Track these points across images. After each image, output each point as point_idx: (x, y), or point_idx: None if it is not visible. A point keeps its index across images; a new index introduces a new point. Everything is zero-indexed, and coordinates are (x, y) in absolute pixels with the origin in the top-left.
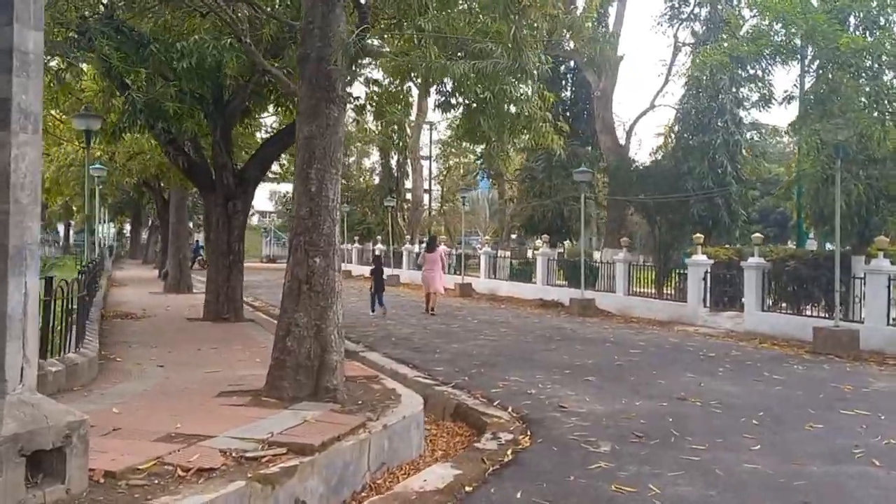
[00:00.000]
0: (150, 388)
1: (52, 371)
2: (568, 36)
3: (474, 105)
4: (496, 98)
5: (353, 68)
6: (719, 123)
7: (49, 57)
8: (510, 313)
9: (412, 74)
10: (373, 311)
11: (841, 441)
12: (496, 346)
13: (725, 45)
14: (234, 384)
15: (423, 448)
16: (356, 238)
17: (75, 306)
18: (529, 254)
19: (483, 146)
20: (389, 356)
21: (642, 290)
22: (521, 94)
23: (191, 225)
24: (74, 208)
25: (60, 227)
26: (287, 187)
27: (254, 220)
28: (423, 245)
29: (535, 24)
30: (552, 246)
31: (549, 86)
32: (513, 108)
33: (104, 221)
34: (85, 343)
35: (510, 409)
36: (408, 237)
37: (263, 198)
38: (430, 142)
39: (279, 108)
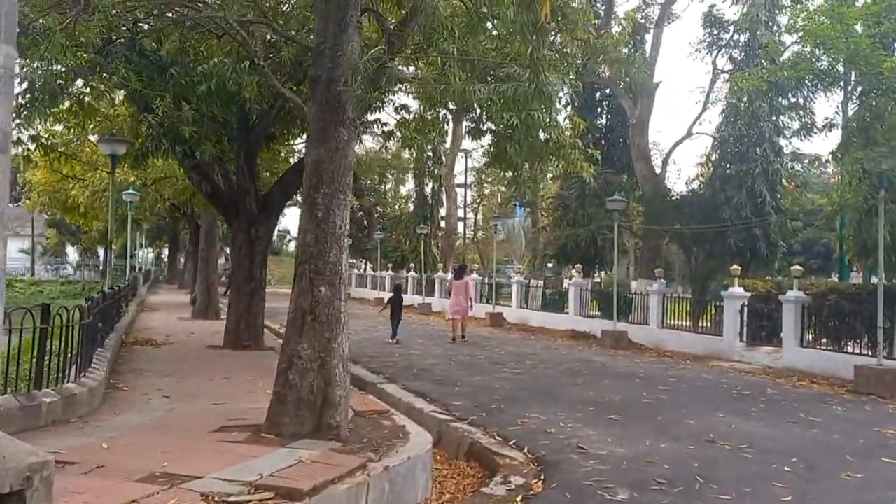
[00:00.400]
0: (149, 420)
1: (47, 402)
2: (601, 60)
3: (503, 131)
4: (524, 124)
5: (371, 91)
6: (758, 152)
7: (69, 80)
8: (539, 344)
9: (444, 100)
10: (393, 337)
11: (881, 493)
12: (520, 380)
13: (764, 70)
14: (236, 418)
15: (429, 490)
16: (389, 266)
17: (76, 334)
18: (565, 283)
19: (512, 173)
20: (408, 388)
21: (677, 322)
22: (550, 121)
23: (227, 251)
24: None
25: (101, 252)
26: None
27: (290, 246)
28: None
29: (566, 49)
30: (586, 276)
31: (584, 112)
32: (542, 135)
33: (143, 246)
34: (89, 372)
35: (526, 450)
36: (440, 265)
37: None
38: (466, 169)
39: (307, 134)
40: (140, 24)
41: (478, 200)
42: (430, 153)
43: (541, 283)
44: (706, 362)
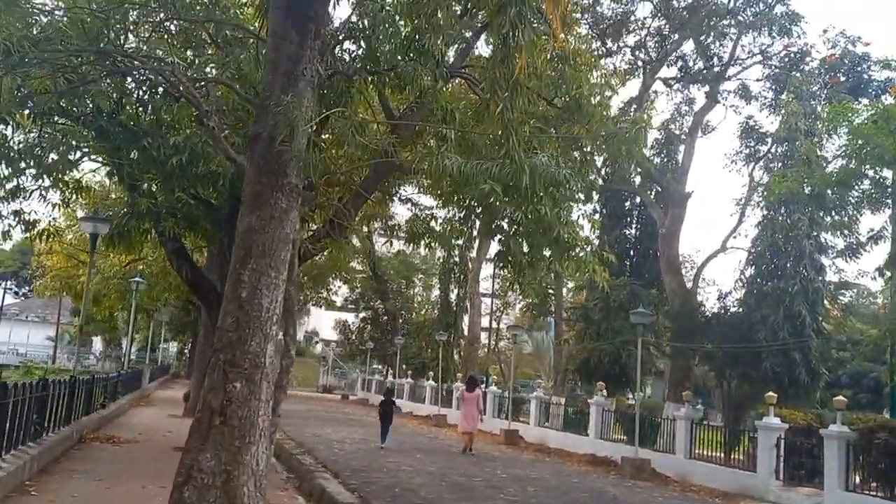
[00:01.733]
0: None
1: None
2: (602, 136)
3: (509, 227)
4: (529, 220)
5: (317, 153)
6: (797, 269)
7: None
8: (551, 469)
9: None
10: (383, 443)
11: None
12: None
13: (803, 174)
14: None
15: None
16: (409, 373)
17: None
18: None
19: (516, 276)
20: None
21: (707, 453)
22: (561, 218)
23: None
24: (122, 321)
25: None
26: (350, 316)
27: (317, 348)
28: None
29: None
30: (610, 394)
31: (613, 221)
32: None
33: (166, 340)
34: None
35: None
36: (458, 375)
37: (328, 326)
38: (493, 275)
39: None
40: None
41: (501, 309)
42: (457, 259)
43: (562, 400)
44: (737, 501)
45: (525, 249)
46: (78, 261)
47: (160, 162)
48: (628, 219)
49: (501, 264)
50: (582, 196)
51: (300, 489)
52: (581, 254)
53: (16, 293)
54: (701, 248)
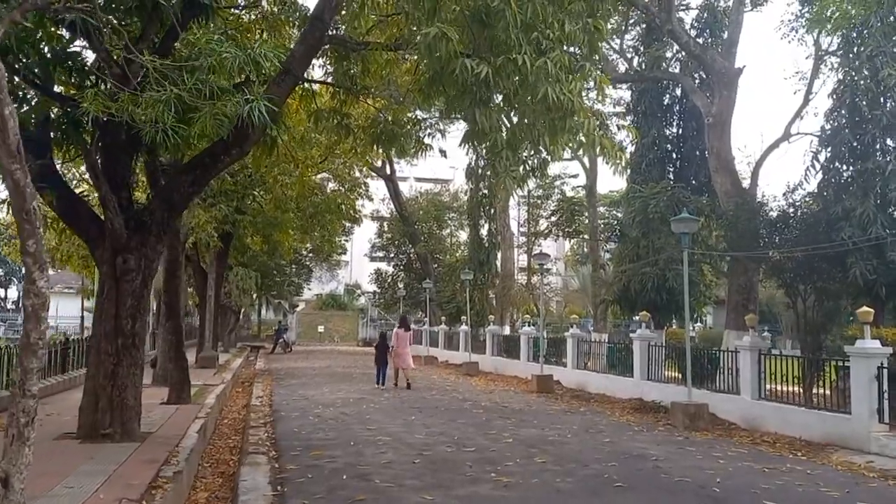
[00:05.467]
0: None
1: None
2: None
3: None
4: (501, 74)
5: None
6: (889, 143)
7: None
8: (581, 424)
9: None
10: (378, 383)
11: None
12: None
13: None
14: None
15: None
16: (443, 319)
17: None
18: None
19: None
20: None
21: (781, 389)
22: (550, 73)
23: (287, 306)
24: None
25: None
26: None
27: (361, 300)
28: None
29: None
30: (658, 326)
31: (650, 120)
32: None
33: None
34: None
35: None
36: (491, 317)
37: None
38: (527, 201)
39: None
40: None
41: (531, 239)
42: (486, 191)
43: (603, 337)
44: (827, 455)
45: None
46: None
47: None
48: (667, 116)
49: (470, 144)
50: (583, 50)
51: (224, 476)
52: (584, 123)
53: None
54: (755, 141)
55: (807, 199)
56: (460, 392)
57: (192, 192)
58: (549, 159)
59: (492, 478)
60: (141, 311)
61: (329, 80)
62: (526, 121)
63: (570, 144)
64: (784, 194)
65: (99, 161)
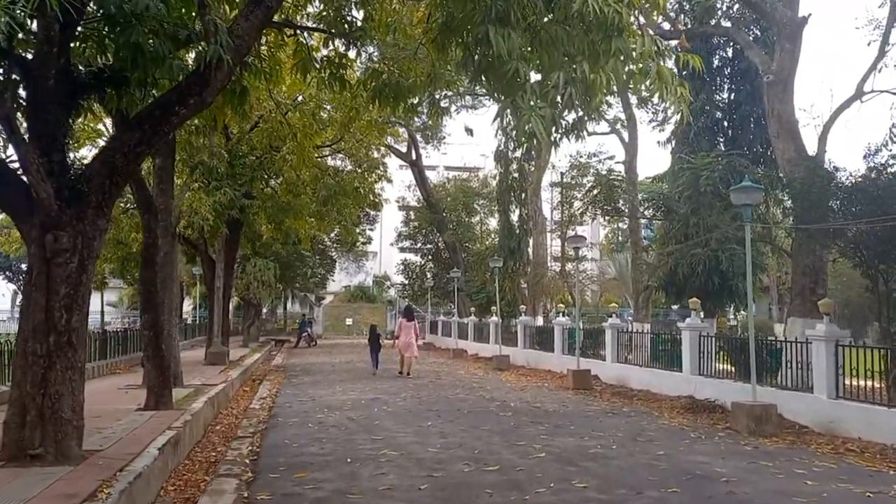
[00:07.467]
0: None
1: None
2: None
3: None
4: None
5: None
6: None
7: None
8: (626, 429)
9: None
10: (376, 368)
11: None
12: None
13: None
14: None
15: None
16: (472, 310)
17: None
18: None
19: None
20: None
21: (864, 386)
22: None
23: (313, 298)
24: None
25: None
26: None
27: (391, 292)
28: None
29: None
30: (709, 315)
31: (697, 83)
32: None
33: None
34: None
35: None
36: (522, 308)
37: (394, 268)
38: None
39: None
40: None
41: (566, 222)
42: (516, 174)
43: (646, 327)
44: None
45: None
46: None
47: None
48: (717, 79)
49: (471, 75)
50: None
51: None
52: (633, 44)
53: None
54: (822, 102)
55: (888, 166)
56: (488, 390)
57: (139, 152)
58: (588, 111)
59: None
60: (79, 302)
61: (321, 26)
62: (557, 49)
63: (617, 78)
64: (864, 157)
65: (22, 114)
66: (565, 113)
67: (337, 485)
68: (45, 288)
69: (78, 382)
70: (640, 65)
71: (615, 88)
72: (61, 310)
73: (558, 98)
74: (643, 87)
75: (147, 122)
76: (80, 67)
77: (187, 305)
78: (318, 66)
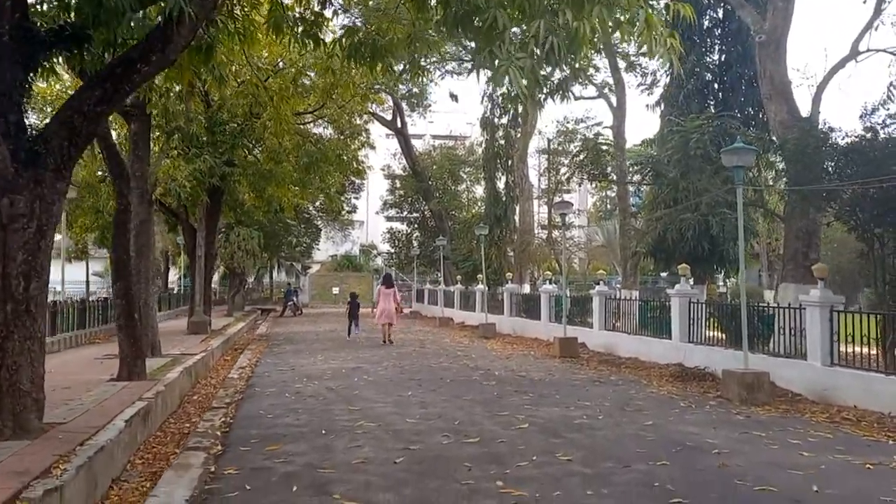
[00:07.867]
0: None
1: None
2: None
3: None
4: None
5: None
6: None
7: None
8: (613, 398)
9: None
10: (349, 335)
11: None
12: None
13: None
14: None
15: None
16: (459, 278)
17: None
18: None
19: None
20: None
21: (856, 352)
22: None
23: (299, 267)
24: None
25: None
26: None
27: (378, 261)
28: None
29: None
30: (699, 281)
31: (688, 46)
32: None
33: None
34: None
35: None
36: (509, 276)
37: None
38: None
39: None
40: None
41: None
42: (502, 140)
43: (634, 294)
44: None
45: None
46: None
47: None
48: (707, 41)
49: (448, 26)
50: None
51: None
52: None
53: None
54: (816, 62)
55: (885, 125)
56: (472, 358)
57: (100, 111)
58: (572, 66)
59: (496, 490)
60: (37, 269)
61: None
62: None
63: (602, 27)
64: (861, 117)
65: None
66: (548, 69)
67: (309, 458)
68: (1, 255)
69: (38, 353)
70: (628, 14)
71: (600, 42)
72: (18, 277)
73: (539, 50)
74: (631, 37)
75: (109, 80)
76: (41, 24)
77: (173, 275)
78: (290, 23)
